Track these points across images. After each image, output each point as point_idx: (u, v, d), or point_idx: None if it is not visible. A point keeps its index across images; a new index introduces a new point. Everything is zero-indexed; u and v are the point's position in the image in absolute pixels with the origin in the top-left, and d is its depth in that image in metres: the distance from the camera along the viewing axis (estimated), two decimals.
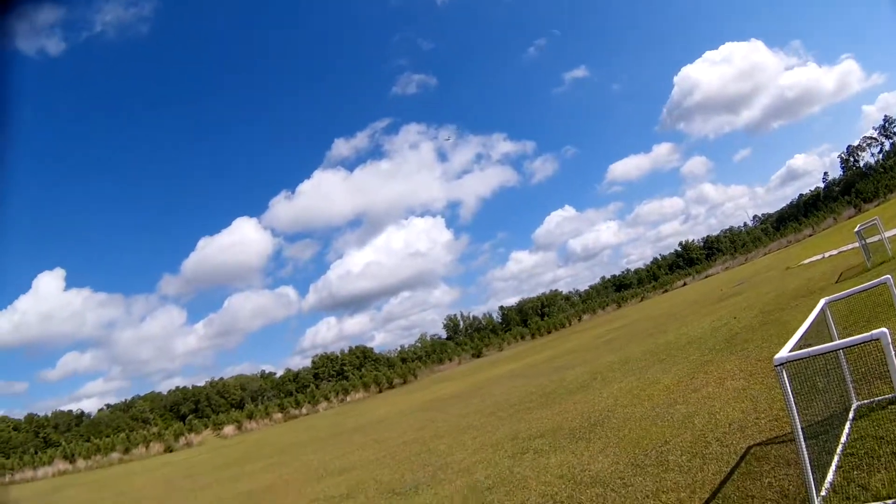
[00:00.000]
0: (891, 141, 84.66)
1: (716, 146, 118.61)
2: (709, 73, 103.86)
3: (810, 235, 69.87)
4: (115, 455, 46.81)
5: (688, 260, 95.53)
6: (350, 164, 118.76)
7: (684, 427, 10.04)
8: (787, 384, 5.90)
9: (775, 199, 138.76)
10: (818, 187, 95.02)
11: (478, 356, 72.99)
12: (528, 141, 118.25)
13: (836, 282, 21.02)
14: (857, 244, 25.85)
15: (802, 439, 5.79)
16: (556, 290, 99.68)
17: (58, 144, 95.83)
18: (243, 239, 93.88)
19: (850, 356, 8.44)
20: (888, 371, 5.40)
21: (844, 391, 8.32)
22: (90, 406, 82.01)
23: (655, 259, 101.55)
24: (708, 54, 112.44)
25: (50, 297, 79.85)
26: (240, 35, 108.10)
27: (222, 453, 36.98)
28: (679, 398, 12.33)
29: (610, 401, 14.62)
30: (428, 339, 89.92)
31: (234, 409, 66.94)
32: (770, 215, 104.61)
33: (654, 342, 23.09)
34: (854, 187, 79.68)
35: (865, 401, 8.25)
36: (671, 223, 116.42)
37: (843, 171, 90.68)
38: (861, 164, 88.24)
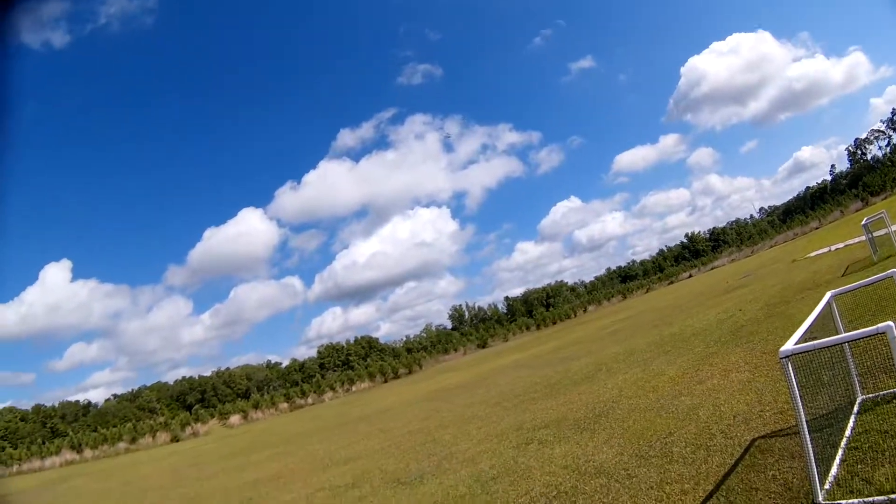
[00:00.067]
0: None
1: (722, 138, 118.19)
2: (716, 64, 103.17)
3: (817, 228, 69.55)
4: (121, 445, 47.19)
5: (694, 252, 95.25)
6: (356, 155, 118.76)
7: (689, 419, 10.06)
8: (793, 377, 5.92)
9: (782, 191, 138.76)
10: (825, 180, 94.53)
11: (483, 347, 73.13)
12: (534, 131, 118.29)
13: (843, 275, 20.94)
14: (863, 238, 25.76)
15: (807, 432, 5.81)
16: (561, 281, 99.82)
17: (63, 136, 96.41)
18: (249, 229, 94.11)
19: (856, 350, 8.45)
20: (893, 365, 5.41)
21: (849, 385, 8.32)
22: (97, 396, 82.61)
23: (661, 250, 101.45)
24: (715, 45, 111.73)
25: (57, 289, 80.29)
26: (245, 26, 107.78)
27: (228, 443, 37.23)
28: (684, 390, 12.34)
29: (615, 392, 14.65)
30: (433, 329, 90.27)
31: (240, 399, 67.32)
32: (776, 207, 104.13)
33: (660, 334, 23.08)
34: (861, 180, 79.14)
35: (870, 395, 8.25)
36: (677, 215, 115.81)
37: (851, 164, 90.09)
38: (868, 157, 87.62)
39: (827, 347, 6.32)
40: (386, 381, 62.70)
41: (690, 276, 79.56)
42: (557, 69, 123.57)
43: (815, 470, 5.76)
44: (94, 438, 47.98)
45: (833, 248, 33.61)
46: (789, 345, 6.11)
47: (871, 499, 5.40)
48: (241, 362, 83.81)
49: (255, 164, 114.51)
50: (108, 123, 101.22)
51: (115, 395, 76.23)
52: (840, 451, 6.68)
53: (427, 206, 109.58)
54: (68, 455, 45.09)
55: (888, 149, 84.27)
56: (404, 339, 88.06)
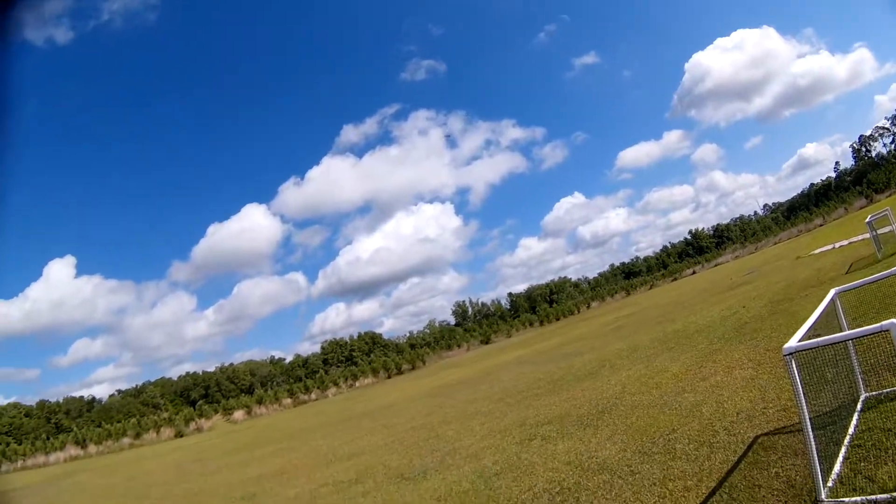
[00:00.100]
0: None
1: (727, 134, 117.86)
2: (720, 60, 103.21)
3: (821, 225, 69.30)
4: (126, 440, 47.43)
5: (697, 248, 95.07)
6: (359, 151, 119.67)
7: (692, 416, 10.07)
8: (796, 374, 5.92)
9: (786, 188, 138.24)
10: (829, 177, 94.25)
11: (486, 342, 73.22)
12: (538, 127, 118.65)
13: (847, 272, 20.90)
14: (867, 235, 25.68)
15: (810, 430, 5.81)
16: (564, 277, 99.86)
17: (67, 133, 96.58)
18: (253, 225, 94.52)
19: (860, 347, 8.43)
20: None
21: (853, 382, 8.32)
22: (101, 392, 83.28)
23: (665, 247, 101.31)
24: (719, 41, 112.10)
25: (61, 285, 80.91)
26: (248, 22, 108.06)
27: (232, 438, 37.36)
28: (687, 387, 12.35)
29: (618, 388, 14.66)
30: (436, 325, 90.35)
31: (243, 395, 67.45)
32: (781, 204, 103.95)
33: (663, 330, 23.07)
34: (866, 178, 78.82)
35: (874, 392, 8.25)
36: (681, 211, 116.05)
37: (855, 161, 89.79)
38: (873, 154, 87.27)
39: (831, 345, 6.32)
40: (389, 377, 62.80)
41: (694, 272, 79.39)
42: (561, 65, 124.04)
43: (819, 467, 5.76)
44: (98, 434, 48.21)
45: (837, 245, 33.51)
46: (793, 342, 6.11)
47: (874, 497, 5.40)
48: (245, 358, 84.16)
49: (258, 160, 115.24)
50: (112, 120, 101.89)
51: (119, 391, 76.55)
52: (843, 449, 6.67)
53: (430, 201, 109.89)
54: (72, 451, 45.31)
55: (893, 146, 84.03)
56: (407, 334, 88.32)
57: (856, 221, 42.82)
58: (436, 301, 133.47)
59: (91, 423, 59.02)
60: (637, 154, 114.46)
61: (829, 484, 5.91)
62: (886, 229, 25.29)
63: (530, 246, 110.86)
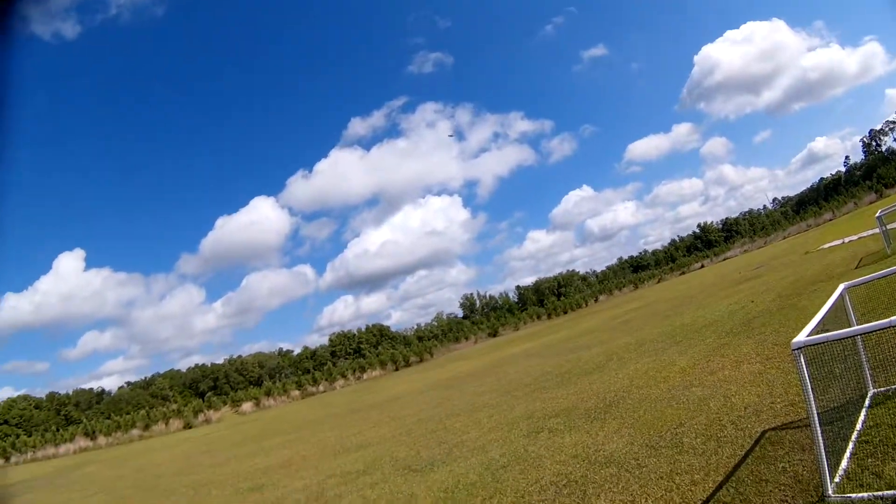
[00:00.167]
0: None
1: (736, 127, 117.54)
2: (730, 52, 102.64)
3: (830, 220, 68.88)
4: (135, 432, 47.93)
5: (706, 242, 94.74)
6: (367, 143, 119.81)
7: (699, 410, 10.07)
8: (804, 369, 5.91)
9: (795, 182, 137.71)
10: (839, 171, 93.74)
11: (494, 335, 73.28)
12: (546, 120, 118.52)
13: (856, 267, 20.80)
14: (877, 230, 25.55)
15: (818, 425, 5.81)
16: (572, 271, 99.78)
17: (75, 127, 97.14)
18: (261, 218, 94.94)
19: (868, 342, 8.41)
20: None
21: (861, 378, 8.29)
22: (111, 384, 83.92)
23: (673, 240, 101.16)
24: (729, 34, 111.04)
25: (70, 278, 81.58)
26: (255, 15, 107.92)
27: (241, 430, 37.63)
28: (695, 381, 12.35)
29: (625, 382, 14.67)
30: (444, 317, 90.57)
31: (252, 387, 67.95)
32: (790, 198, 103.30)
33: (671, 324, 23.05)
34: (876, 172, 78.26)
35: (882, 388, 8.23)
36: (690, 204, 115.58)
37: (865, 156, 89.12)
38: (883, 148, 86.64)
39: (839, 340, 6.30)
40: (397, 370, 63.05)
41: (703, 266, 79.12)
42: (569, 57, 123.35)
43: (826, 463, 5.76)
44: (108, 426, 48.73)
45: (846, 240, 33.34)
46: (801, 336, 6.10)
47: (881, 493, 5.40)
48: (254, 350, 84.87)
49: (266, 153, 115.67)
50: (121, 114, 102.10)
51: (128, 383, 77.38)
52: (851, 445, 6.67)
53: (438, 194, 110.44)
54: (82, 442, 45.85)
55: None
56: (415, 327, 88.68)
57: (865, 216, 42.53)
58: (443, 293, 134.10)
59: (100, 415, 59.70)
60: (646, 147, 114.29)
61: (837, 479, 5.91)
62: None
63: (538, 239, 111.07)
